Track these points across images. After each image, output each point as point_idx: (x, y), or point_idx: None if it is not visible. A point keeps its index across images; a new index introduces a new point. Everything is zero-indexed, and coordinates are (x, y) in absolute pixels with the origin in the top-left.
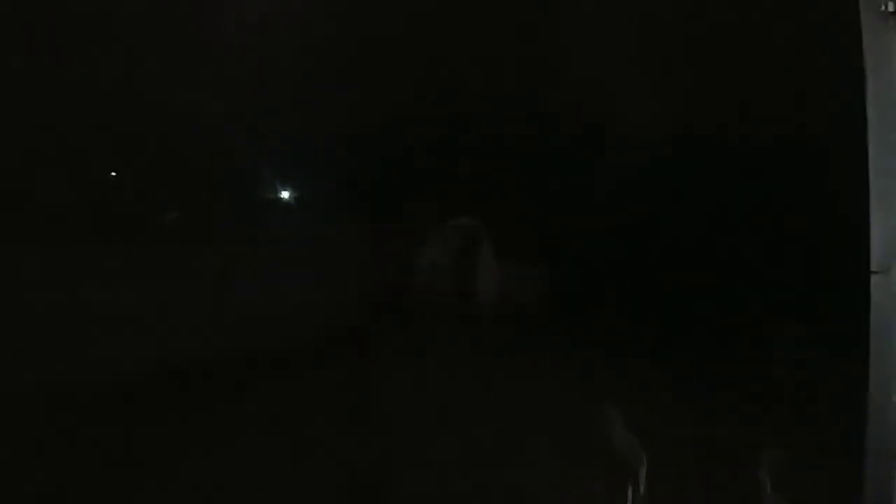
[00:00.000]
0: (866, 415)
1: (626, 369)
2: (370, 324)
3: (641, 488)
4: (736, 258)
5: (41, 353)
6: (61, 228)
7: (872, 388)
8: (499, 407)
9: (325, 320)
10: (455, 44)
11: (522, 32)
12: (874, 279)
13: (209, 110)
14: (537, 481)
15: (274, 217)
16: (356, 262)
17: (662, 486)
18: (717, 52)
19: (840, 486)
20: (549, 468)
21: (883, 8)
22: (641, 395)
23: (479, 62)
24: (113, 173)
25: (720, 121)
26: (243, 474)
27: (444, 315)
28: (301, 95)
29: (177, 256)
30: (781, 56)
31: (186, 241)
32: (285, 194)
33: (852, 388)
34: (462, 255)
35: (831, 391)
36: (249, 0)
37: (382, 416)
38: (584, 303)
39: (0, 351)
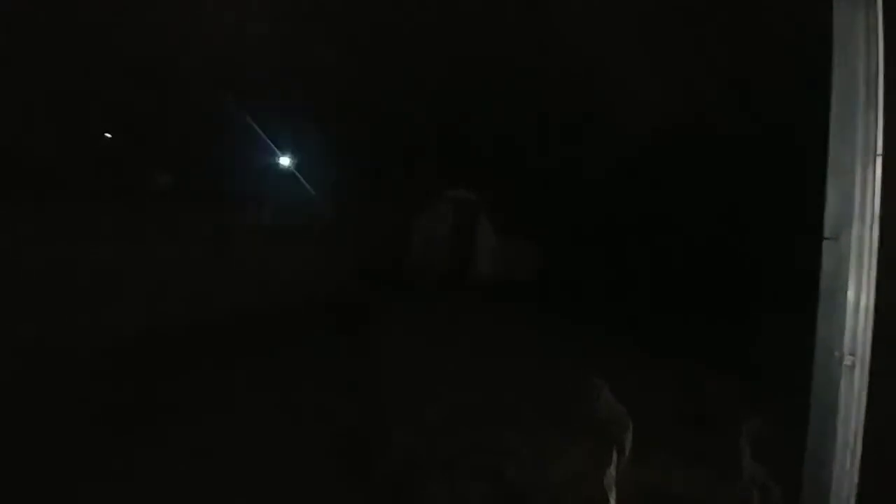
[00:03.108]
0: (812, 371)
1: (614, 341)
2: (370, 292)
3: (626, 453)
4: (708, 231)
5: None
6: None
7: (820, 343)
8: (492, 374)
9: (325, 288)
10: (452, 20)
11: (520, 12)
12: (826, 245)
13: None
14: (527, 444)
15: (275, 188)
16: (357, 233)
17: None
18: (688, 31)
19: (789, 433)
20: (539, 432)
21: None
22: (628, 365)
23: (478, 39)
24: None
25: (691, 103)
26: (242, 435)
27: (442, 285)
28: (299, 67)
29: (175, 220)
30: (751, 34)
31: (184, 208)
32: (287, 166)
33: (801, 348)
34: (460, 228)
35: (785, 352)
36: None
37: (381, 381)
38: (576, 277)
39: None
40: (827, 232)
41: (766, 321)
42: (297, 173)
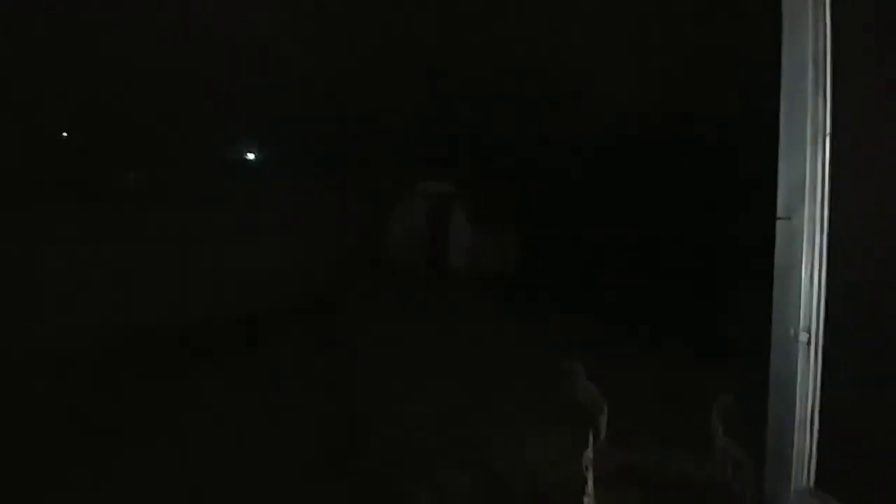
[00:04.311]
0: (769, 348)
1: (591, 328)
2: (346, 286)
3: (604, 436)
4: (666, 214)
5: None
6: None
7: (776, 321)
8: (470, 363)
9: (301, 283)
10: (431, 15)
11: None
12: (779, 224)
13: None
14: (506, 432)
15: (249, 182)
16: (332, 227)
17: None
18: (638, 14)
19: (748, 410)
20: (518, 419)
21: None
22: (605, 351)
23: (455, 33)
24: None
25: (643, 88)
26: (222, 430)
27: (418, 277)
28: (275, 64)
29: (152, 220)
30: (702, 20)
31: (163, 207)
32: (260, 160)
33: (758, 324)
34: (435, 221)
35: (743, 330)
36: None
37: (359, 374)
38: (551, 267)
39: None
40: (780, 212)
41: (737, 301)
42: (268, 168)
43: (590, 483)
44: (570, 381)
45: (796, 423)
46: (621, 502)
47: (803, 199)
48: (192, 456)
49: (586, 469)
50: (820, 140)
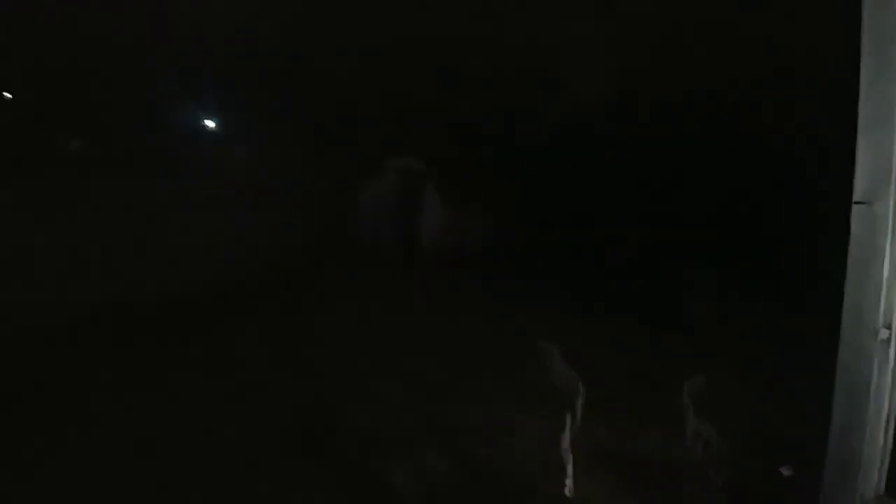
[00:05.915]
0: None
1: (566, 307)
2: (315, 263)
3: (579, 417)
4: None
5: None
6: None
7: (849, 316)
8: (442, 344)
9: (268, 260)
10: None
11: None
12: (856, 209)
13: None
14: (481, 414)
15: (215, 155)
16: (301, 201)
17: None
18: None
19: (817, 410)
20: (492, 401)
21: None
22: (580, 330)
23: (425, 5)
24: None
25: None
26: (190, 414)
27: (390, 254)
28: (244, 33)
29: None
30: None
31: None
32: (226, 132)
33: (832, 314)
34: (406, 199)
35: (814, 321)
36: None
37: (327, 353)
38: (524, 244)
39: None
40: (858, 196)
41: (704, 281)
42: (230, 140)
43: (569, 467)
44: (547, 363)
45: (867, 427)
46: (599, 483)
47: (888, 182)
48: (159, 442)
49: (566, 455)
50: None
